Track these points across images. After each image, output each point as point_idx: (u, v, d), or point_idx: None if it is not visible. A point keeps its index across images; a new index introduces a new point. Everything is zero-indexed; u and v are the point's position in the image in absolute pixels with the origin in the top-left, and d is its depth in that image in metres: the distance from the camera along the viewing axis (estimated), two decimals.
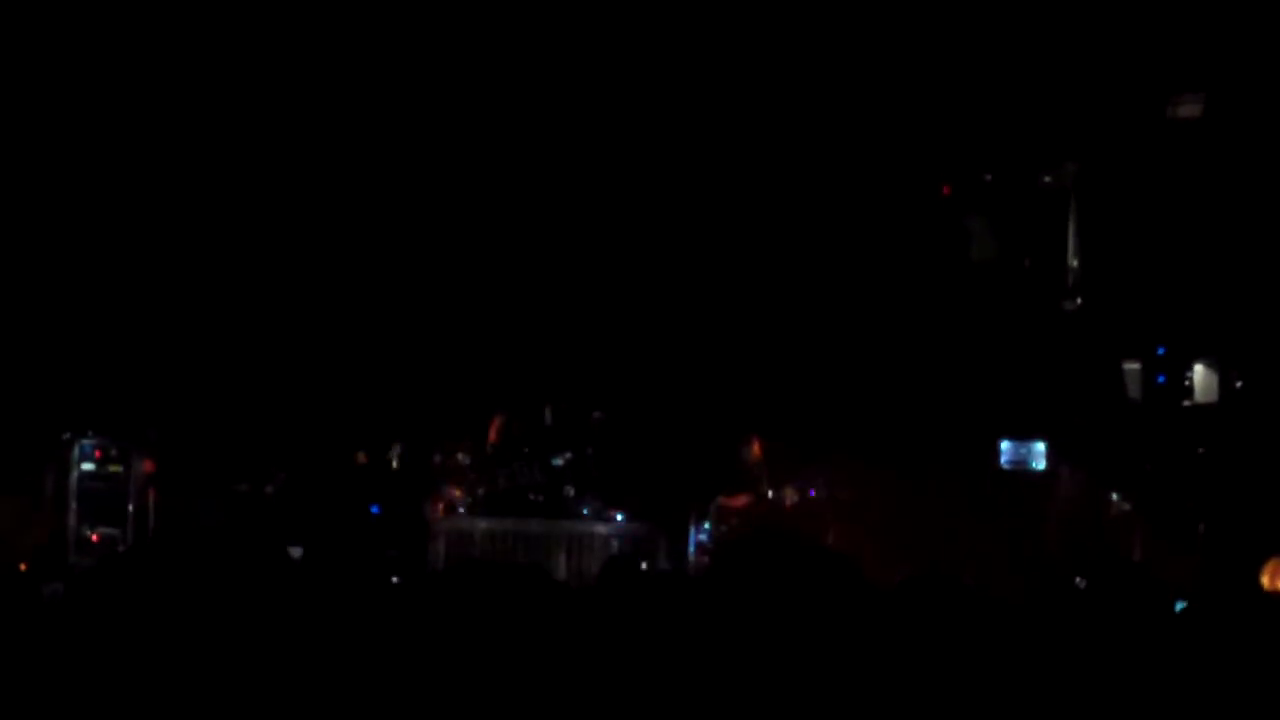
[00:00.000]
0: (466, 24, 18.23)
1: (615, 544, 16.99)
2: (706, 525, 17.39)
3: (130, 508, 16.78)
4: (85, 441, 16.96)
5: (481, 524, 16.96)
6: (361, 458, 17.50)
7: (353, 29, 18.10)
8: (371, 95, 18.34)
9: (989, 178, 18.69)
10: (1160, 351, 17.87)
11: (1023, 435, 17.59)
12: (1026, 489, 17.36)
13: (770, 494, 17.25)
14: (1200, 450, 16.94)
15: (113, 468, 16.91)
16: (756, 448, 17.38)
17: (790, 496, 17.17)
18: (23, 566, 14.49)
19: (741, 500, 17.22)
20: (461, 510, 17.26)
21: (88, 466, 16.90)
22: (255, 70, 18.01)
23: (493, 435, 17.59)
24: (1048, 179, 18.57)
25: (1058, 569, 15.09)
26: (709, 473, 17.42)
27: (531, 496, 17.26)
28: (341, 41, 18.10)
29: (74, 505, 16.76)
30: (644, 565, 16.22)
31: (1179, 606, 6.27)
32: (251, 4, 17.99)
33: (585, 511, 17.34)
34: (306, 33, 17.99)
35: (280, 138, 18.37)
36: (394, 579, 7.60)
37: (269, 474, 17.55)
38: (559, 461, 17.45)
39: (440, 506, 17.03)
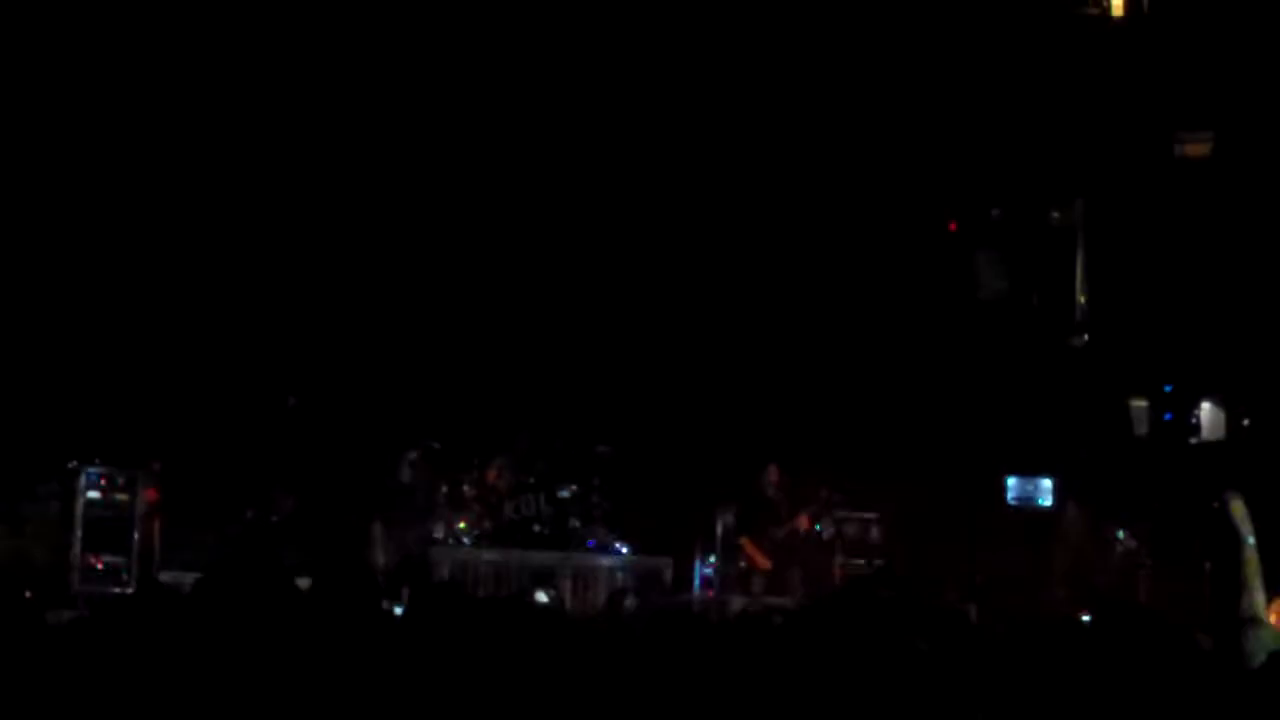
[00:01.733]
0: (467, 33, 18.28)
1: (620, 576, 16.96)
2: (712, 558, 17.35)
3: (135, 536, 16.77)
4: (91, 470, 16.94)
5: (486, 555, 16.93)
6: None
7: (353, 31, 18.13)
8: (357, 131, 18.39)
9: (997, 213, 18.70)
10: (1167, 389, 17.86)
11: (1029, 471, 17.57)
12: (1033, 525, 17.32)
13: (787, 526, 17.21)
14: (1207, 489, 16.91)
15: (118, 496, 16.89)
16: (775, 478, 17.31)
17: (802, 529, 17.16)
18: (28, 594, 14.45)
19: (761, 537, 17.16)
20: (467, 542, 17.24)
21: (93, 494, 16.88)
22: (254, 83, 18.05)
23: (496, 470, 17.56)
24: (1055, 215, 18.57)
25: (1063, 606, 15.06)
26: (725, 505, 17.35)
27: (537, 528, 17.23)
28: (342, 47, 18.14)
29: (79, 533, 16.73)
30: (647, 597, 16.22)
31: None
32: (252, 4, 18.01)
33: (590, 544, 17.32)
34: (307, 35, 18.02)
35: (281, 174, 18.40)
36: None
37: (275, 501, 17.54)
38: (565, 494, 17.43)
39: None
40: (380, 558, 16.48)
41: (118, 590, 15.94)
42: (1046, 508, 17.56)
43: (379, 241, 18.73)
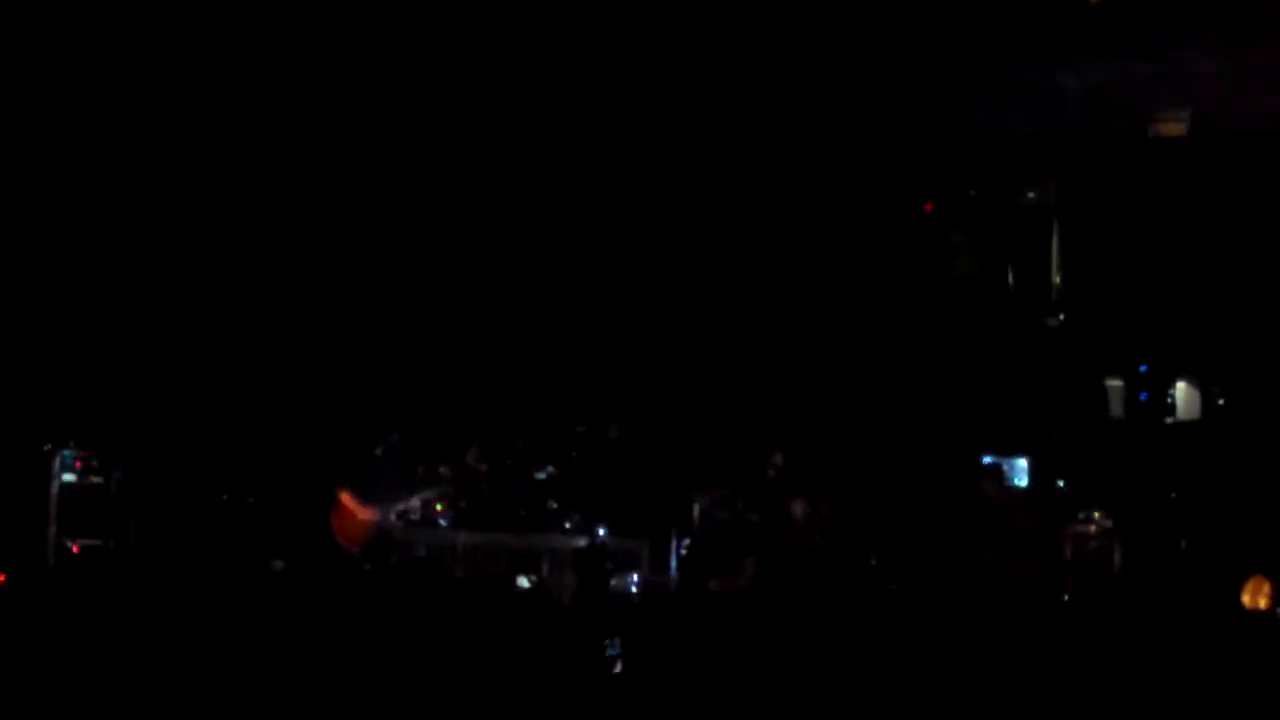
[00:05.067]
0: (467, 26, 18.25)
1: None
2: (688, 540, 17.36)
3: (112, 519, 16.73)
4: (66, 452, 16.91)
5: (463, 537, 16.93)
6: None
7: (353, 29, 18.11)
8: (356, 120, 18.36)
9: (972, 194, 18.72)
10: (1143, 369, 17.91)
11: (1005, 452, 17.60)
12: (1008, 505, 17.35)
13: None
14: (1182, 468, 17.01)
15: (94, 479, 16.86)
16: (780, 463, 17.33)
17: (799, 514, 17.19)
18: (1, 578, 14.44)
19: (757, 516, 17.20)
20: (443, 523, 17.24)
21: (69, 477, 16.85)
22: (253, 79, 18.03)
23: (473, 451, 17.60)
24: (1031, 196, 18.61)
25: (1040, 585, 15.12)
26: (703, 487, 17.37)
27: (514, 510, 17.24)
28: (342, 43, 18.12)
29: (55, 516, 16.70)
30: (636, 577, 16.26)
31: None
32: (252, 4, 17.98)
33: (568, 525, 17.32)
34: (306, 33, 17.99)
35: (272, 162, 18.38)
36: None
37: (250, 484, 17.51)
38: (542, 475, 17.44)
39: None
40: (358, 531, 16.51)
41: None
42: (1021, 488, 17.60)
43: (358, 225, 18.69)
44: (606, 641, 11.71)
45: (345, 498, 16.80)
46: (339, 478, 17.01)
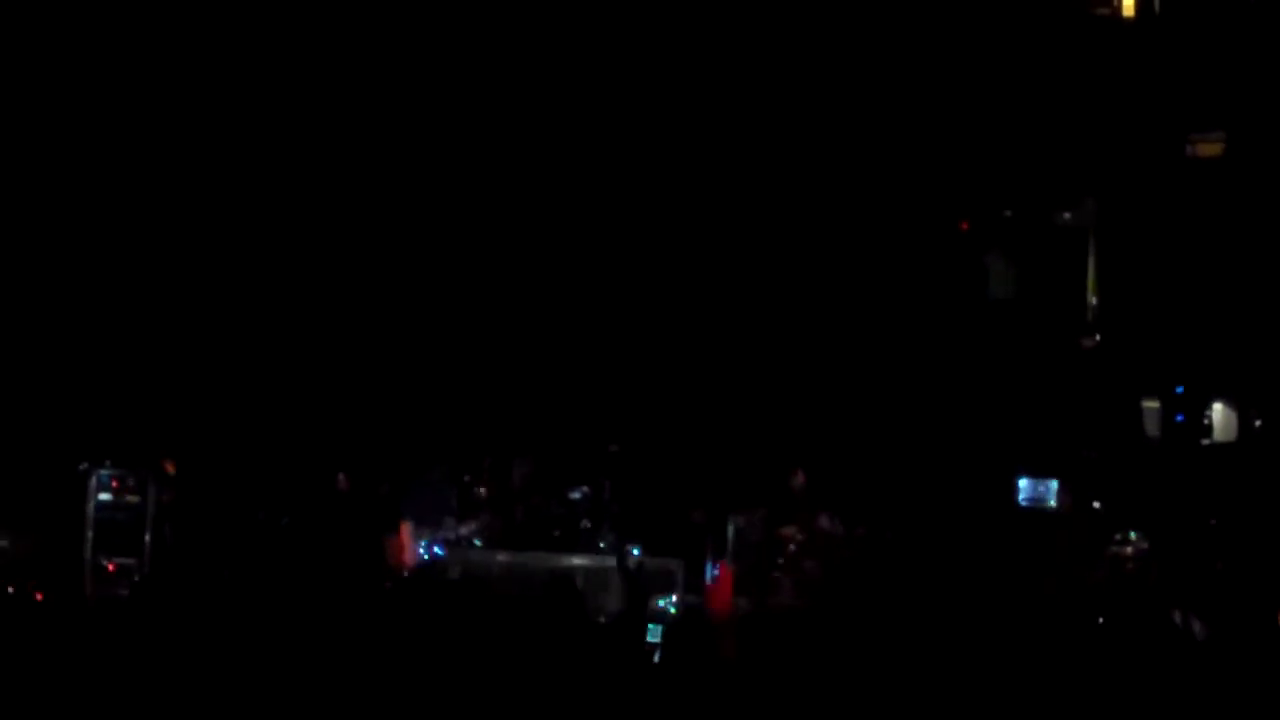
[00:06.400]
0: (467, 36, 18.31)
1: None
2: (723, 560, 17.35)
3: (147, 538, 16.78)
4: (102, 472, 16.96)
5: (499, 557, 16.95)
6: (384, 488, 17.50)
7: (353, 31, 18.16)
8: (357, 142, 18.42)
9: (1008, 214, 18.70)
10: (1179, 390, 17.86)
11: (1040, 473, 17.55)
12: (1043, 526, 17.31)
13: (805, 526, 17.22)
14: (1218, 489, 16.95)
15: (130, 498, 16.91)
16: (802, 480, 17.33)
17: (824, 529, 17.17)
18: (39, 596, 14.50)
19: (791, 529, 17.18)
20: (478, 543, 17.27)
21: (105, 496, 16.90)
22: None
23: (508, 472, 17.65)
24: (1067, 216, 18.58)
25: (1076, 607, 15.06)
26: (756, 499, 17.35)
27: (549, 530, 17.26)
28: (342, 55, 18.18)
29: (90, 535, 16.75)
30: (675, 598, 16.28)
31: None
32: (252, 4, 18.05)
33: (602, 545, 17.33)
34: (306, 36, 18.05)
35: (283, 174, 18.44)
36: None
37: (285, 504, 17.55)
38: (576, 495, 17.45)
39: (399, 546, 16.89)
40: (410, 558, 16.56)
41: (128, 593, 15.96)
42: (1055, 509, 17.56)
43: (394, 242, 18.75)
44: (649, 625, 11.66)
45: (405, 527, 16.88)
46: (393, 506, 17.08)
